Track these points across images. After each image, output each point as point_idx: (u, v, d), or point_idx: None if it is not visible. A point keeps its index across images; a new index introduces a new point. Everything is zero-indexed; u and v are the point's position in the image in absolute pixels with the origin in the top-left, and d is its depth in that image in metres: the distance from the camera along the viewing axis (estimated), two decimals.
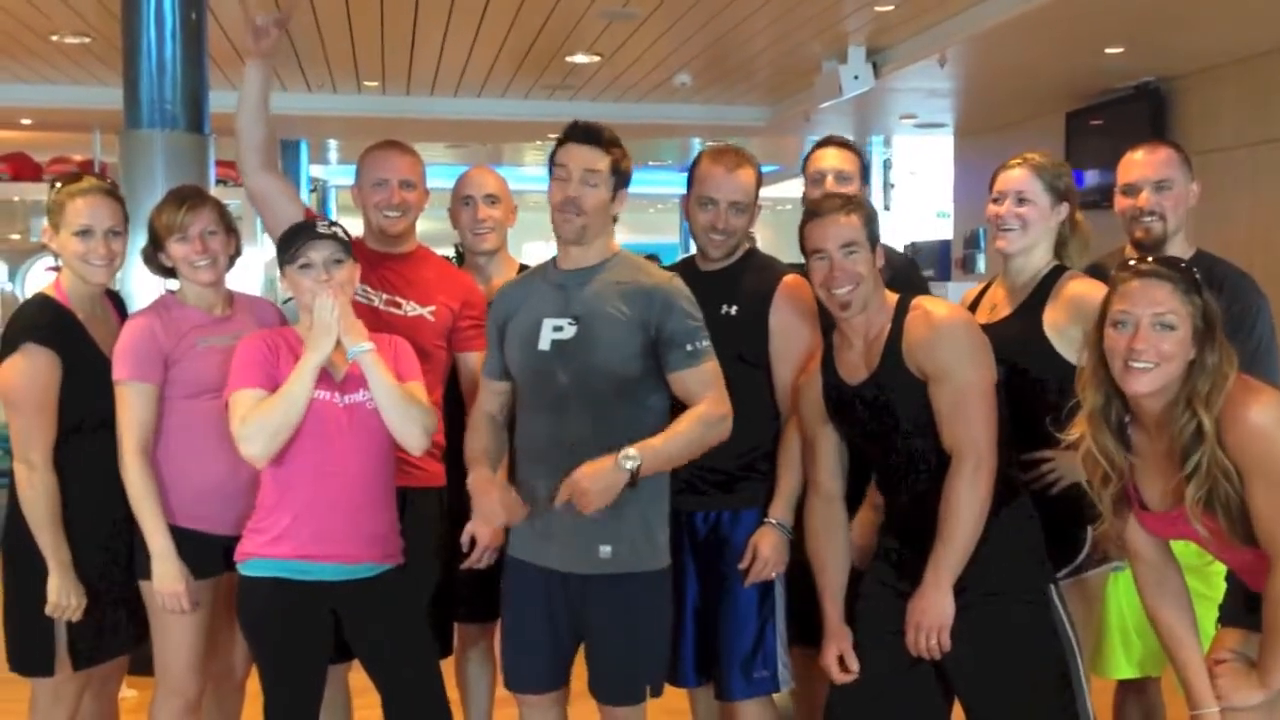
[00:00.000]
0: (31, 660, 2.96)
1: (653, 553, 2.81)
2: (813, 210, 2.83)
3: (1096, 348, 2.40)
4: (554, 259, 2.91)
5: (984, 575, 2.64)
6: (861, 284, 2.73)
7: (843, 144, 3.51)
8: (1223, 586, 2.62)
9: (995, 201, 2.99)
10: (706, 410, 2.74)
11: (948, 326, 2.70)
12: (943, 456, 2.67)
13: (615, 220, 2.88)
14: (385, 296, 3.19)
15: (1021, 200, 2.94)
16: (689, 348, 2.75)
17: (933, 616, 2.63)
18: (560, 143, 2.83)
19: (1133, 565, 2.56)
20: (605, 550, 2.75)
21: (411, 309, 3.19)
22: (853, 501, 2.96)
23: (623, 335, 2.75)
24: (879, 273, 2.80)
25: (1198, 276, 2.35)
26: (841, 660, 2.82)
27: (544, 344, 2.79)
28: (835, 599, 2.85)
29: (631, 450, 2.66)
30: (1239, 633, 2.48)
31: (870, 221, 2.79)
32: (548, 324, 2.80)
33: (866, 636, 2.80)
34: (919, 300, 2.79)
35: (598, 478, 2.65)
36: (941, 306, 2.77)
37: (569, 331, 2.77)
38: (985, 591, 2.64)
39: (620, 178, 2.82)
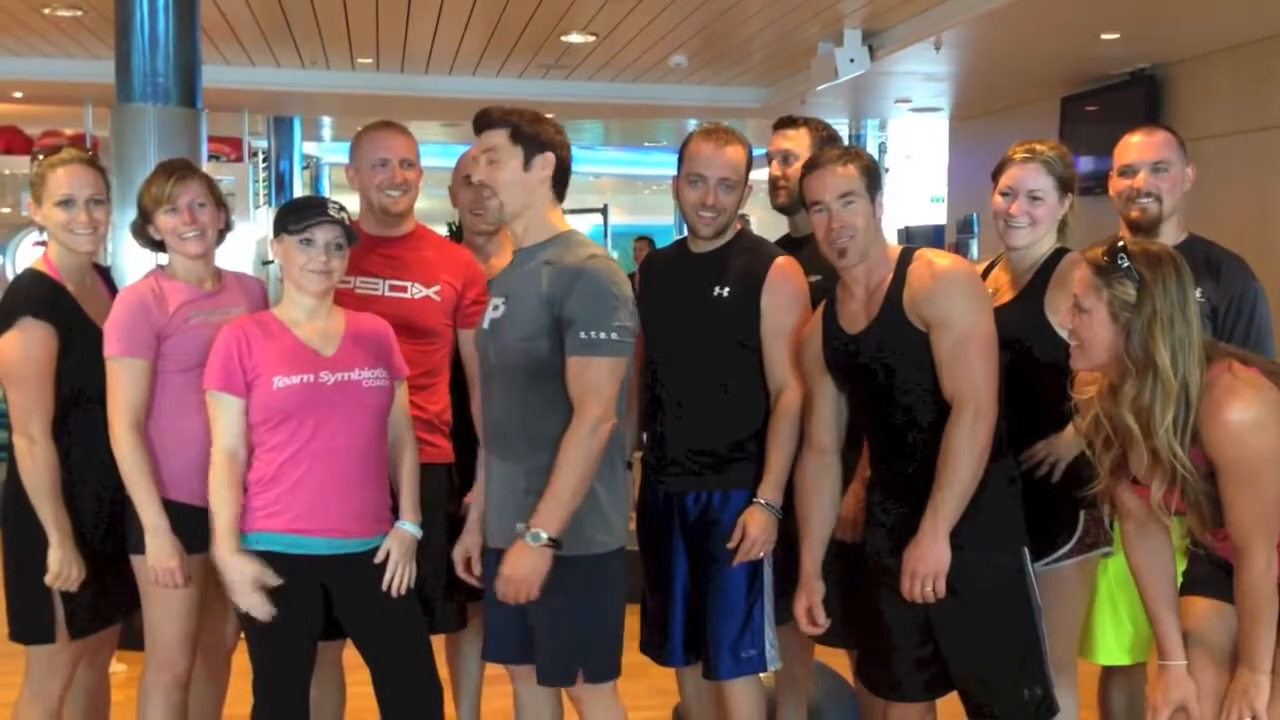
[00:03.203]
0: (33, 629, 2.96)
1: (577, 540, 2.69)
2: (811, 162, 2.84)
3: None
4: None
5: (966, 526, 2.66)
6: (858, 234, 2.74)
7: (793, 122, 3.47)
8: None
9: (1004, 196, 2.97)
10: (575, 429, 2.63)
11: (950, 275, 2.71)
12: (939, 411, 2.67)
13: (558, 194, 2.80)
14: (389, 281, 3.19)
15: (1034, 198, 2.93)
16: (583, 335, 2.64)
17: (929, 563, 2.64)
18: None
19: (1121, 524, 2.60)
20: (520, 529, 2.67)
21: (417, 290, 3.20)
22: (845, 473, 2.98)
23: (531, 313, 2.70)
24: (880, 224, 2.80)
25: (1122, 264, 2.35)
26: (811, 614, 2.89)
27: (485, 323, 2.86)
28: (813, 552, 2.90)
29: (528, 525, 2.63)
30: (1207, 601, 2.52)
31: (869, 172, 2.80)
32: (492, 303, 2.87)
33: (872, 593, 2.84)
34: (922, 251, 2.80)
35: (515, 565, 2.65)
36: (944, 257, 2.79)
37: (500, 310, 2.81)
38: (965, 542, 2.66)
39: (528, 142, 2.72)
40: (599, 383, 2.65)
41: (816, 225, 2.80)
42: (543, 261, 2.75)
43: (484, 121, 2.79)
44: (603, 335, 2.65)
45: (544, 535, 2.62)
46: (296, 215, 2.82)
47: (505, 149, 2.73)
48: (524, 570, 2.64)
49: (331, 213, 2.81)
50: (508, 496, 2.77)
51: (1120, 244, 2.40)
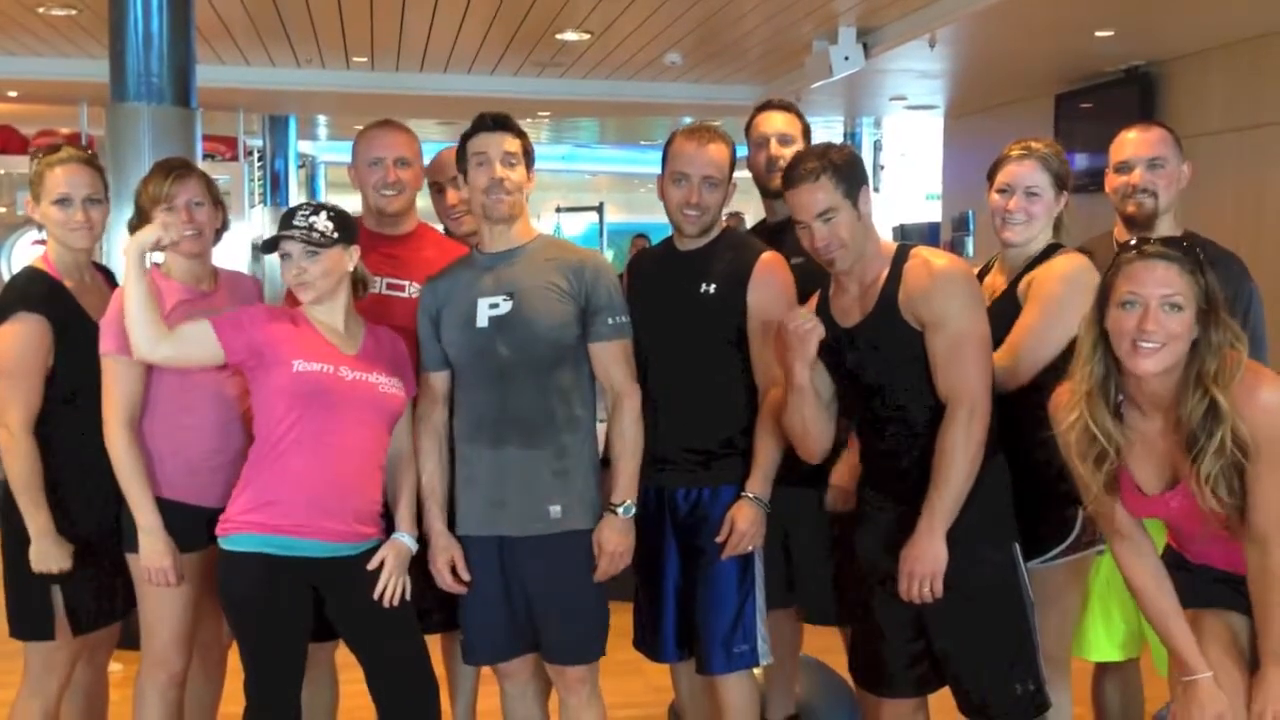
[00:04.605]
0: (33, 626, 2.96)
1: (594, 511, 2.94)
2: (787, 177, 2.80)
3: (1096, 325, 2.39)
4: (473, 248, 3.04)
5: (959, 523, 2.65)
6: (846, 245, 2.73)
7: (783, 106, 3.48)
8: None
9: (1001, 193, 2.98)
10: (633, 408, 2.94)
11: (946, 274, 2.70)
12: (932, 409, 2.67)
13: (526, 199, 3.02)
14: (387, 280, 3.18)
15: (1031, 194, 2.94)
16: (611, 321, 2.93)
17: (926, 563, 2.65)
18: (469, 136, 2.95)
19: (1113, 543, 2.57)
20: (555, 510, 2.89)
21: (414, 289, 3.17)
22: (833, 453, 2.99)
23: (558, 305, 2.89)
24: (868, 217, 2.77)
25: (1201, 256, 2.34)
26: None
27: (482, 321, 2.90)
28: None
29: (618, 500, 2.90)
30: (1193, 613, 2.50)
31: (844, 175, 2.72)
32: (483, 303, 2.91)
33: (864, 590, 2.84)
34: (918, 250, 2.78)
35: (618, 541, 2.90)
36: (941, 257, 2.77)
37: (505, 307, 2.89)
38: (958, 539, 2.66)
39: (529, 158, 2.97)
40: (630, 361, 2.97)
41: (802, 238, 2.79)
42: (540, 260, 2.92)
43: (501, 123, 2.94)
44: (624, 319, 2.96)
45: (631, 503, 2.91)
46: (278, 229, 2.82)
47: (519, 156, 2.93)
48: (625, 541, 2.91)
49: (297, 223, 2.78)
50: (534, 482, 2.89)
51: (1173, 237, 2.41)
